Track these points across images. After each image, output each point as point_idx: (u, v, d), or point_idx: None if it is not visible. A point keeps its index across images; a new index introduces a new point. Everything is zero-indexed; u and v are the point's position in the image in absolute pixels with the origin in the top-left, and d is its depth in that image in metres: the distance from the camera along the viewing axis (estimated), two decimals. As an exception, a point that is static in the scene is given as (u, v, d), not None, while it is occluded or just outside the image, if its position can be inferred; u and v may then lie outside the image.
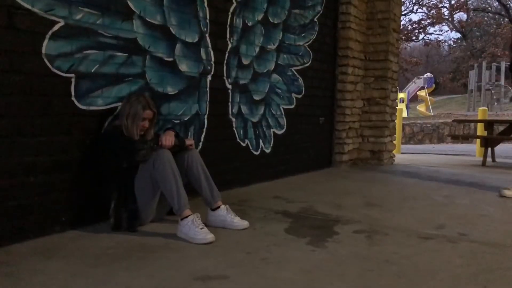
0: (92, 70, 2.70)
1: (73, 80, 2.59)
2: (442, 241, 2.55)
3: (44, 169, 2.47)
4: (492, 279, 2.00)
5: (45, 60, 2.45)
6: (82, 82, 2.64)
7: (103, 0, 2.74)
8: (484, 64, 22.54)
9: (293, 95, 4.89)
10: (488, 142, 6.64)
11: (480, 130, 7.97)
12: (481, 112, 8.49)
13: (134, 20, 2.96)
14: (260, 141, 4.39)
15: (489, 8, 32.63)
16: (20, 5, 2.31)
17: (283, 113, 4.73)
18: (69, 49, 2.56)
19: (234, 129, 4.03)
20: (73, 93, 2.60)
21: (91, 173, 2.70)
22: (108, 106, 2.81)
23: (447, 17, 31.09)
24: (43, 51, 2.43)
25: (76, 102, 2.62)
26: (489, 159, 6.69)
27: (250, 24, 4.14)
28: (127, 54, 2.92)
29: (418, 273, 2.05)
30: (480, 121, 7.64)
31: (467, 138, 12.00)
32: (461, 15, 32.33)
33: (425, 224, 2.92)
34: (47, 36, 2.45)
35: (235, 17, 3.93)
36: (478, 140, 7.74)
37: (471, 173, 5.50)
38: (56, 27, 2.48)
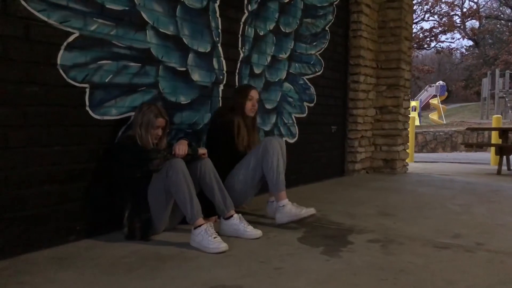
0: (106, 80, 2.73)
1: (87, 90, 2.62)
2: (458, 250, 2.51)
3: (59, 178, 2.50)
4: (511, 289, 1.96)
5: (60, 71, 2.48)
6: (96, 92, 2.67)
7: (117, 11, 2.77)
8: (497, 71, 22.33)
9: (305, 103, 4.89)
10: (503, 151, 6.55)
11: (495, 138, 7.88)
12: (496, 120, 8.40)
13: (147, 31, 2.99)
14: (272, 150, 4.37)
15: (502, 16, 32.40)
16: (36, 17, 2.35)
17: (295, 121, 4.72)
18: (84, 59, 2.60)
19: (246, 138, 4.02)
20: (87, 103, 2.63)
21: (105, 182, 2.72)
22: (121, 116, 2.83)
23: (459, 24, 30.96)
24: (58, 61, 2.47)
25: (90, 112, 2.65)
26: (504, 167, 6.60)
27: (261, 33, 4.16)
28: (140, 64, 2.95)
29: (434, 283, 2.01)
30: (495, 129, 7.55)
31: (481, 146, 11.86)
32: (473, 23, 32.16)
33: (441, 233, 2.88)
34: (62, 47, 2.48)
35: (247, 26, 3.96)
36: (493, 149, 7.64)
37: (487, 182, 5.43)
38: (71, 38, 2.52)
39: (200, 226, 2.50)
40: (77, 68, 2.56)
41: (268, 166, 3.00)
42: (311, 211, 2.96)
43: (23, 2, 2.29)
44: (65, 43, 2.49)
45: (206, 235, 2.46)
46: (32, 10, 2.33)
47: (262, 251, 2.47)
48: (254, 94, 3.24)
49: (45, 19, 2.39)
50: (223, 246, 2.44)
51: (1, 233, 2.25)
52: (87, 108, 2.63)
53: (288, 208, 2.95)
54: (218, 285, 1.96)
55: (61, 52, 2.48)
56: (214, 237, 2.47)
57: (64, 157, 2.52)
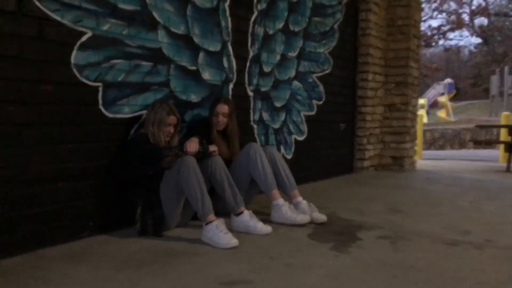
0: (119, 79, 2.77)
1: (100, 89, 2.66)
2: (468, 247, 2.53)
3: (72, 175, 2.54)
4: (521, 285, 1.97)
5: (74, 70, 2.52)
6: (109, 90, 2.71)
7: (129, 11, 2.81)
8: (506, 69, 22.14)
9: (314, 101, 4.90)
10: (513, 148, 6.52)
11: (504, 135, 7.83)
12: (505, 117, 8.36)
13: (158, 30, 3.02)
14: (281, 147, 4.41)
15: (511, 13, 32.08)
16: (50, 17, 2.39)
17: (304, 119, 4.74)
18: (97, 59, 2.63)
19: (255, 135, 4.06)
20: (100, 102, 2.67)
21: (118, 179, 2.76)
22: (134, 114, 2.87)
23: (467, 22, 30.71)
24: (72, 61, 2.51)
25: (103, 110, 2.69)
26: (513, 165, 6.56)
27: (271, 32, 4.18)
28: (152, 63, 2.98)
29: (444, 280, 2.03)
30: (504, 126, 7.51)
31: (490, 143, 11.79)
32: (482, 20, 31.87)
33: (450, 230, 2.89)
34: (76, 46, 2.52)
35: (256, 25, 3.98)
36: (502, 146, 7.61)
37: (496, 179, 5.42)
38: (84, 38, 2.56)
39: (211, 222, 2.53)
40: (90, 67, 2.60)
41: (255, 172, 3.06)
42: (307, 219, 2.97)
43: (37, 3, 2.33)
44: (78, 43, 2.53)
45: (217, 231, 2.49)
46: (46, 10, 2.37)
47: (272, 247, 2.50)
48: (220, 109, 3.19)
49: (59, 19, 2.43)
50: (234, 241, 2.47)
51: (16, 229, 2.30)
52: (100, 107, 2.67)
53: (284, 210, 3.00)
54: (228, 281, 1.99)
55: (74, 51, 2.51)
56: (225, 233, 2.50)
57: (77, 154, 2.56)
